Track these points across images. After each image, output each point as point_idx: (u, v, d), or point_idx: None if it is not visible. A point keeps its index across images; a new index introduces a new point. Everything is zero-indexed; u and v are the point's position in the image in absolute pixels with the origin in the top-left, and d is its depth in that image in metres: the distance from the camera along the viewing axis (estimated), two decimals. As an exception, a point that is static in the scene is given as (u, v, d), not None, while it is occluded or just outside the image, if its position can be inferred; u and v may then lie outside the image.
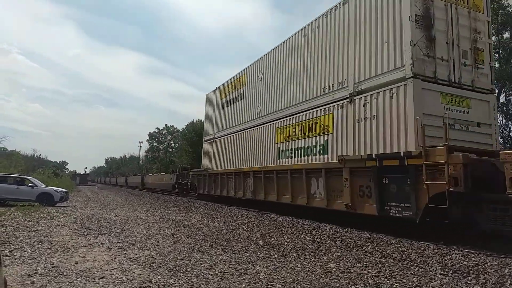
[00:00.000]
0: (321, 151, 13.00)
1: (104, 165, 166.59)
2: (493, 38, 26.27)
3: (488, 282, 5.28)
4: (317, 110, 13.49)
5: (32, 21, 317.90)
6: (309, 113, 13.97)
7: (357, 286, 5.09)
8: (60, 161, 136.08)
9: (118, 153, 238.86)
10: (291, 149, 14.94)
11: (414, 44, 9.77)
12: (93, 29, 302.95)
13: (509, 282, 5.17)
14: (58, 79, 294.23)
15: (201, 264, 6.32)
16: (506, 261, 6.06)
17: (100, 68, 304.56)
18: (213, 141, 24.60)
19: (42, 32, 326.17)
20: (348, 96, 11.91)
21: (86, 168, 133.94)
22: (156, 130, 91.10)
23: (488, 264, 5.99)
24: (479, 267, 5.90)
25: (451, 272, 5.84)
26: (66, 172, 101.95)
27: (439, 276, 5.66)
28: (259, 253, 7.34)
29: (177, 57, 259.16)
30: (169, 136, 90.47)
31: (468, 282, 5.35)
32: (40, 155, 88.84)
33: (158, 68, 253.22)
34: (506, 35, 25.90)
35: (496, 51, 26.05)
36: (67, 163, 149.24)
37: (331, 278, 5.55)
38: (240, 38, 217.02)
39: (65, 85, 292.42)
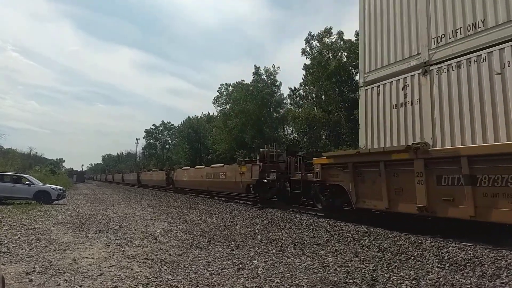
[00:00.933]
0: None
1: (101, 162, 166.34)
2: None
3: (484, 274, 5.32)
4: None
5: (28, 18, 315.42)
6: None
7: (355, 280, 5.12)
8: (56, 159, 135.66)
9: (116, 150, 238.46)
10: None
11: None
12: (90, 26, 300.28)
13: (505, 274, 5.22)
14: (55, 76, 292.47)
15: (200, 260, 6.33)
16: (503, 254, 6.11)
17: (98, 65, 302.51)
18: (440, 69, 9.07)
19: (39, 29, 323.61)
20: None
21: (83, 165, 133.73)
22: (153, 127, 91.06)
23: (485, 256, 6.03)
24: (476, 259, 5.94)
25: (448, 265, 5.89)
26: (63, 169, 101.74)
27: (436, 269, 5.70)
28: (257, 248, 7.36)
29: (174, 53, 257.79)
30: (165, 133, 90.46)
31: (465, 274, 5.39)
32: (37, 152, 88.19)
33: (156, 64, 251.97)
34: None
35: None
36: (64, 161, 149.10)
37: (328, 272, 5.58)
38: (238, 33, 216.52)
39: (62, 82, 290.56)
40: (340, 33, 39.71)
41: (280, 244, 7.85)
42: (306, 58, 41.53)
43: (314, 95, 44.81)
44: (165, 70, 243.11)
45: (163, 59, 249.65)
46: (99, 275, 5.27)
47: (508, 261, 5.66)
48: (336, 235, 8.80)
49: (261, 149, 18.79)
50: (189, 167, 32.37)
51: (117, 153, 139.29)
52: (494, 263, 5.67)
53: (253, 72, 46.70)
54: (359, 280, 5.11)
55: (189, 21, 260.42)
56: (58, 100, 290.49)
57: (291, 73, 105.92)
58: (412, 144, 8.86)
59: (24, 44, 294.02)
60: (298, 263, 6.13)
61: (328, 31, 40.02)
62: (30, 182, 18.72)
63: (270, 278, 5.21)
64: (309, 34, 41.19)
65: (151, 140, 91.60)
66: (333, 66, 35.73)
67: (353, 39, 38.85)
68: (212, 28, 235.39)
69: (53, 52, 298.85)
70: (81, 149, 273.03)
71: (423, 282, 5.02)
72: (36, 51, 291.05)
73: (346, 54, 38.92)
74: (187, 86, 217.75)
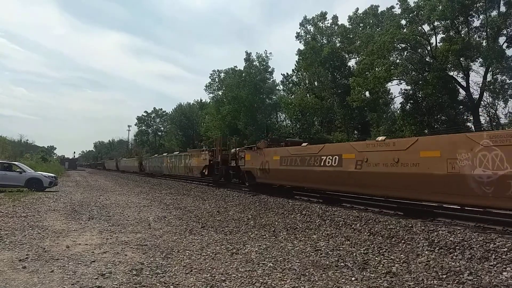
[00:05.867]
0: None
1: (93, 149, 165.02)
2: (481, 16, 26.29)
3: (473, 257, 5.44)
4: None
5: (13, 2, 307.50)
6: None
7: (346, 263, 5.19)
8: (48, 146, 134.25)
9: (107, 137, 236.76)
10: None
11: None
12: (76, 8, 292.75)
13: (493, 257, 5.33)
14: (42, 61, 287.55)
15: (193, 245, 6.37)
16: (491, 237, 6.22)
17: (86, 49, 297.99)
18: None
19: (24, 12, 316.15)
20: None
21: (74, 152, 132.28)
22: (145, 114, 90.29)
23: (474, 240, 6.14)
24: (465, 243, 6.05)
25: (437, 248, 6.00)
26: (55, 157, 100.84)
27: (426, 252, 5.81)
28: (250, 234, 7.42)
29: (163, 36, 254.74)
30: (157, 120, 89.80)
31: (454, 257, 5.50)
32: (28, 140, 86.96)
33: (144, 48, 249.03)
34: (494, 13, 25.80)
35: (484, 30, 26.04)
36: (55, 148, 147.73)
37: (320, 256, 5.66)
38: (227, 14, 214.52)
39: (50, 67, 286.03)
40: (335, 18, 39.44)
41: (273, 229, 7.91)
42: (300, 43, 41.25)
43: (307, 81, 44.63)
44: (154, 54, 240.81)
45: (151, 42, 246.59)
46: (92, 261, 5.28)
47: (497, 244, 5.78)
48: (328, 219, 8.89)
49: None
50: None
51: (109, 140, 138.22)
52: (483, 246, 5.78)
53: (244, 59, 46.18)
54: (351, 264, 5.19)
55: (177, 2, 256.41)
56: (46, 86, 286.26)
57: (281, 55, 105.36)
58: None
59: (10, 28, 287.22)
60: (291, 247, 6.20)
61: (323, 16, 39.71)
62: (22, 169, 18.53)
63: (263, 262, 5.27)
64: (304, 17, 40.91)
65: (143, 127, 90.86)
66: (326, 52, 35.51)
67: (346, 24, 38.63)
68: (200, 10, 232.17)
69: (40, 36, 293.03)
70: (72, 136, 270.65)
71: (413, 265, 5.12)
72: (23, 36, 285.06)
73: (339, 39, 38.67)
74: (177, 70, 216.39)
